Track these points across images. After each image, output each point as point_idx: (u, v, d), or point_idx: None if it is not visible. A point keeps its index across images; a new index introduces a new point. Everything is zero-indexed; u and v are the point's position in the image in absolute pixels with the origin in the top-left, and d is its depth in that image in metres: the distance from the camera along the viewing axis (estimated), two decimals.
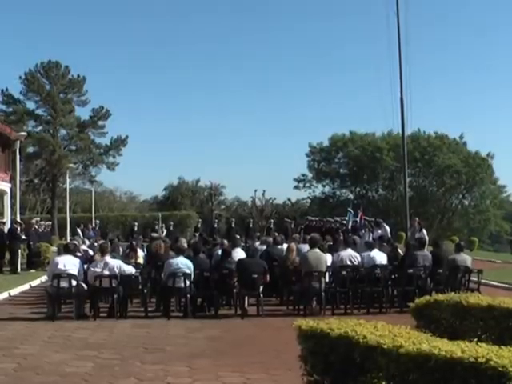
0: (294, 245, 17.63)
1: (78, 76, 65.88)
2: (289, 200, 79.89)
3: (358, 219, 32.41)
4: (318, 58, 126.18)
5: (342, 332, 6.28)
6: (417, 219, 26.74)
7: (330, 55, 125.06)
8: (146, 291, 16.16)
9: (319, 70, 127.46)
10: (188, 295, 15.09)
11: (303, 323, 6.82)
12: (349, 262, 16.26)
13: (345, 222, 33.84)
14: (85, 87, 66.37)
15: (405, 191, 32.20)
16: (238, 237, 23.19)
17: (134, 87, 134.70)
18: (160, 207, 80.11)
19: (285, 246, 18.40)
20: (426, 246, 20.19)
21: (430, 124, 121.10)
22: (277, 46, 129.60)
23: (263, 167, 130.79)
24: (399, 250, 18.91)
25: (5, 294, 18.99)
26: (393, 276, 16.56)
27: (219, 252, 17.18)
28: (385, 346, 5.72)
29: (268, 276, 15.56)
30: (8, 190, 46.16)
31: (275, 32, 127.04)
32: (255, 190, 71.91)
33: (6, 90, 65.43)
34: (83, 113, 67.50)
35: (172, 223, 42.43)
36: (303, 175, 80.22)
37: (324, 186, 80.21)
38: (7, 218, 39.88)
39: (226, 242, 18.97)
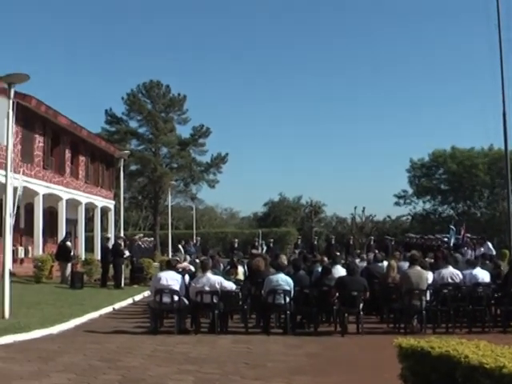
0: (394, 262, 17.45)
1: (179, 95, 67.05)
2: (389, 217, 78.93)
3: (460, 236, 31.81)
4: (418, 72, 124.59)
5: (443, 351, 6.18)
6: None
7: (431, 68, 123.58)
8: (246, 307, 16.25)
9: (419, 83, 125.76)
10: (288, 312, 15.12)
11: (404, 341, 6.75)
12: (450, 280, 15.97)
13: (446, 239, 33.27)
14: (185, 106, 67.57)
15: (508, 208, 31.31)
16: (338, 254, 23.12)
17: (234, 105, 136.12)
18: (260, 224, 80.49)
19: (385, 263, 18.24)
20: None
21: None
22: (379, 59, 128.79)
23: (363, 183, 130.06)
24: (502, 268, 18.42)
25: (109, 309, 19.45)
26: (496, 295, 16.15)
27: (319, 269, 17.15)
28: (487, 366, 5.60)
29: (368, 293, 15.45)
30: (112, 207, 47.52)
31: (379, 46, 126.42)
32: (355, 207, 71.57)
33: (110, 110, 67.38)
34: (184, 131, 68.76)
35: (272, 240, 42.65)
36: (404, 191, 79.15)
37: (425, 202, 78.87)
38: (111, 234, 40.99)
39: (325, 259, 18.92)
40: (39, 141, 34.10)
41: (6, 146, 17.15)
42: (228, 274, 17.63)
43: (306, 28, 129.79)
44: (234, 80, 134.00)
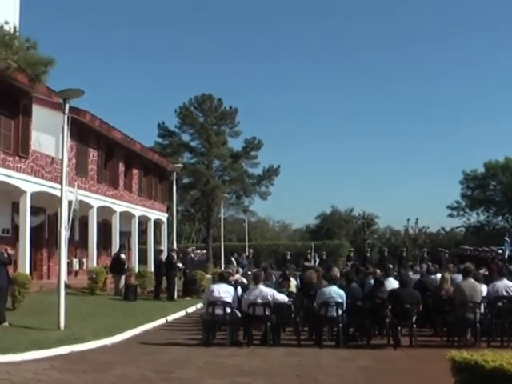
0: (447, 275, 17.26)
1: (230, 108, 67.36)
2: (442, 229, 78.04)
3: None
4: (470, 81, 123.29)
5: (497, 365, 6.10)
6: None
7: (483, 79, 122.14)
8: (298, 320, 16.22)
9: (471, 94, 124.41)
10: (340, 324, 15.05)
11: (457, 355, 6.67)
12: (505, 293, 15.70)
13: (501, 251, 32.78)
14: (237, 118, 67.85)
15: None
16: (391, 266, 22.93)
17: (286, 117, 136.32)
18: (312, 236, 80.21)
19: (438, 275, 18.03)
20: None
21: None
22: (431, 71, 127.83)
23: (416, 195, 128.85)
24: None
25: (162, 320, 19.59)
26: None
27: (372, 281, 17.04)
28: None
29: (421, 306, 15.30)
30: (165, 220, 47.91)
31: (424, 57, 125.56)
32: (408, 219, 71.04)
33: (163, 123, 68.03)
34: (236, 144, 69.02)
35: (325, 252, 42.51)
36: (457, 202, 78.18)
37: (479, 214, 77.78)
38: (164, 247, 41.31)
39: (378, 271, 18.80)
40: (93, 155, 34.60)
41: (61, 160, 17.42)
42: (280, 286, 17.61)
43: (362, 41, 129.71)
44: (285, 92, 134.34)
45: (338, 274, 17.84)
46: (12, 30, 17.51)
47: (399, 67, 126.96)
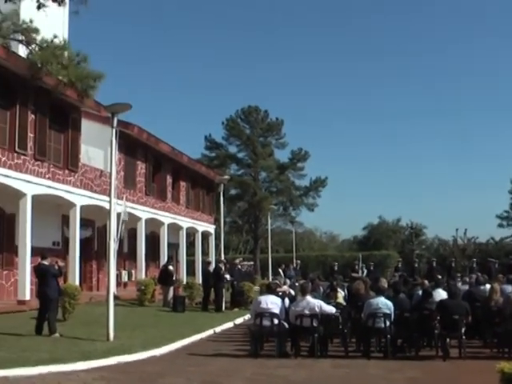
0: (497, 285, 17.04)
1: (277, 119, 67.51)
2: (492, 239, 76.82)
3: None
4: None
5: None
6: None
7: None
8: (346, 331, 16.15)
9: None
10: (388, 336, 14.95)
11: (506, 366, 6.62)
12: None
13: None
14: (283, 130, 67.93)
15: None
16: (440, 277, 22.71)
17: (332, 128, 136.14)
18: (360, 247, 79.92)
19: (488, 286, 17.81)
20: None
21: None
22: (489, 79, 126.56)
23: (465, 205, 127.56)
24: None
25: (210, 331, 19.66)
26: None
27: (420, 292, 16.88)
28: None
29: (470, 317, 15.13)
30: (213, 231, 48.15)
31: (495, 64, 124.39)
32: (457, 229, 70.17)
33: (210, 135, 68.53)
34: (282, 155, 69.12)
35: (372, 263, 42.22)
36: (506, 212, 76.98)
37: None
38: (212, 258, 41.48)
39: (426, 282, 18.63)
40: (141, 167, 34.97)
41: (110, 173, 17.65)
42: (328, 297, 17.56)
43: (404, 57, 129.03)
44: (331, 103, 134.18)
45: (386, 285, 17.74)
46: (61, 44, 17.80)
47: (438, 71, 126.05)
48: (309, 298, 15.39)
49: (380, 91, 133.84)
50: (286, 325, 15.21)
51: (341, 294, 18.21)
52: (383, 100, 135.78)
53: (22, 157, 23.26)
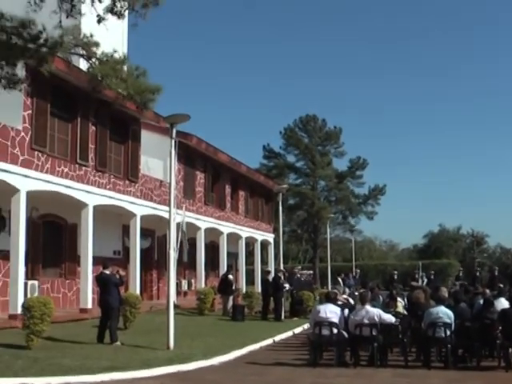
0: None
1: (335, 127, 67.33)
2: None
3: None
4: None
5: None
6: None
7: None
8: (406, 340, 16.01)
9: None
10: (449, 345, 14.77)
11: None
12: None
13: None
14: (341, 139, 67.72)
15: None
16: (502, 286, 22.37)
17: (390, 136, 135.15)
18: (420, 255, 79.12)
19: None
20: None
21: None
22: None
23: None
24: None
25: (269, 341, 19.68)
26: None
27: (481, 301, 16.65)
28: None
29: None
30: (272, 240, 48.22)
31: None
32: None
33: (268, 145, 68.75)
34: (340, 164, 68.95)
35: (432, 272, 41.83)
36: None
37: None
38: (271, 267, 41.54)
39: (488, 291, 18.37)
40: (200, 177, 35.24)
41: (169, 184, 17.84)
42: (387, 306, 17.47)
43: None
44: (388, 111, 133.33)
45: (446, 294, 17.52)
46: (121, 58, 18.07)
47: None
48: (368, 307, 15.31)
49: (439, 100, 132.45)
50: (345, 334, 15.15)
51: (400, 303, 18.09)
52: (441, 108, 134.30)
53: (84, 168, 23.68)
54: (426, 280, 37.39)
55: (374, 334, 14.86)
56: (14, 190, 19.79)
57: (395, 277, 38.04)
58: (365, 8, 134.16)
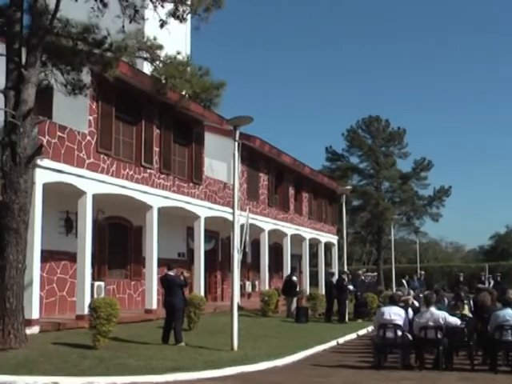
0: None
1: (399, 128, 66.82)
2: None
3: None
4: None
5: None
6: None
7: None
8: (472, 343, 15.76)
9: None
10: None
11: None
12: None
13: None
14: (405, 139, 67.17)
15: None
16: None
17: (455, 136, 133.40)
18: (486, 257, 77.93)
19: None
20: None
21: None
22: None
23: None
24: None
25: (333, 343, 19.61)
26: None
27: None
28: None
29: None
30: (335, 242, 48.10)
31: None
32: None
33: (330, 147, 68.59)
34: (404, 165, 68.48)
35: (499, 274, 41.05)
36: None
37: None
38: (335, 269, 41.41)
39: None
40: (264, 179, 35.33)
41: (233, 186, 17.92)
42: (453, 308, 17.23)
43: None
44: (454, 111, 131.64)
45: None
46: (184, 59, 18.30)
47: None
48: (433, 309, 15.13)
49: (506, 97, 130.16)
50: (410, 336, 15.01)
51: (466, 306, 17.83)
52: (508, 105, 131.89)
53: (148, 171, 23.97)
54: (492, 282, 36.74)
55: (439, 336, 14.68)
56: (81, 193, 20.16)
57: (461, 279, 37.47)
58: (428, 5, 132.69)
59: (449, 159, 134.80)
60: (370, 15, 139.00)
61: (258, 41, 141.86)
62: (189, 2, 16.49)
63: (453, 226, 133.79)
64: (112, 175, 21.77)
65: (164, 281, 17.86)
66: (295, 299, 28.53)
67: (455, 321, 15.19)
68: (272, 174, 36.47)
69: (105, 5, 16.59)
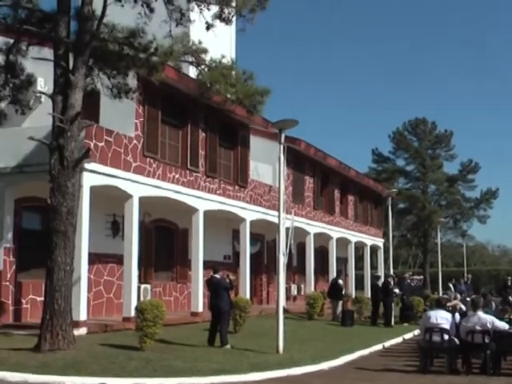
0: None
1: (446, 131, 66.38)
2: None
3: None
4: None
5: None
6: None
7: None
8: None
9: None
10: None
11: None
12: None
13: None
14: (452, 142, 66.62)
15: None
16: None
17: (503, 137, 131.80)
18: None
19: None
20: None
21: None
22: None
23: None
24: None
25: (379, 346, 19.51)
26: None
27: None
28: None
29: None
30: (381, 245, 47.83)
31: None
32: None
33: (376, 149, 68.41)
34: (451, 167, 67.90)
35: None
36: None
37: None
38: (381, 272, 41.19)
39: None
40: (309, 182, 35.31)
41: (278, 189, 17.93)
42: (500, 313, 17.04)
43: None
44: (500, 112, 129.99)
45: None
46: (229, 63, 18.36)
47: None
48: (480, 313, 14.97)
49: None
50: (457, 341, 14.88)
51: None
52: None
53: (194, 174, 24.11)
54: None
55: (486, 341, 14.51)
56: (127, 196, 20.36)
57: (509, 283, 36.95)
58: (475, 10, 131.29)
59: (496, 161, 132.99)
60: (426, 16, 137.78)
61: (297, 40, 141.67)
62: (234, 4, 16.56)
63: (500, 229, 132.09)
64: (158, 178, 21.95)
65: (210, 283, 17.95)
66: (341, 302, 28.46)
67: (503, 325, 15.01)
68: (317, 177, 36.42)
69: (151, 10, 16.74)
